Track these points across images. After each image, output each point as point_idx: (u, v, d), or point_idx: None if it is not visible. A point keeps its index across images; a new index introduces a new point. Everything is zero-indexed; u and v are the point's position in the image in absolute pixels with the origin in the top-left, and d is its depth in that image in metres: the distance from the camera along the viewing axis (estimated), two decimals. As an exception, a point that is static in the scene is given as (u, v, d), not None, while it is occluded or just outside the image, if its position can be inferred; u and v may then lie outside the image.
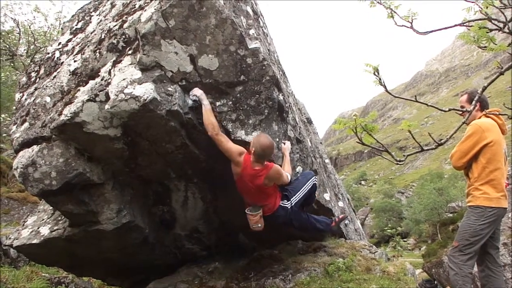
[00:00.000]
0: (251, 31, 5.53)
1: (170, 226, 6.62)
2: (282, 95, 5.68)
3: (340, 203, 8.32)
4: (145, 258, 7.02)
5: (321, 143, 9.51)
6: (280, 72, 6.38)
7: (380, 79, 2.54)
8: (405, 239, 50.50)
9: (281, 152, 5.72)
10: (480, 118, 5.28)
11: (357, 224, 9.66)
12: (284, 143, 5.77)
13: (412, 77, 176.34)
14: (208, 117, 5.06)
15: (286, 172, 5.56)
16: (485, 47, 2.75)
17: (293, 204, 5.67)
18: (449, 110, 3.50)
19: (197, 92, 5.11)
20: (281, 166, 5.63)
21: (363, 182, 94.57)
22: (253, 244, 7.17)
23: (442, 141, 2.65)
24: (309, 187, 5.87)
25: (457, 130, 2.82)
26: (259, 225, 5.57)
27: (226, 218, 6.70)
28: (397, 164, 2.58)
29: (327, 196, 7.02)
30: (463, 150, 5.21)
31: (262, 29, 6.18)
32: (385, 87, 2.65)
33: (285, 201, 5.67)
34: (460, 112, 5.26)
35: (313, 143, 7.78)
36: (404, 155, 2.55)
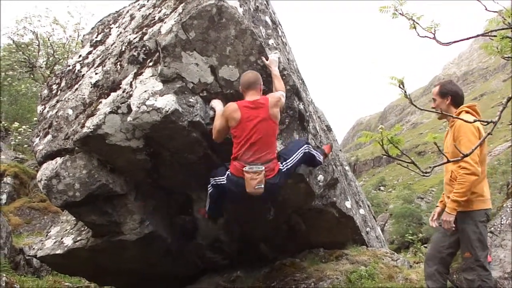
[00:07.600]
0: (271, 41, 5.54)
1: (192, 236, 6.64)
2: (302, 104, 5.68)
3: (361, 211, 8.29)
4: (167, 268, 7.04)
5: (340, 150, 9.48)
6: (300, 81, 6.38)
7: (405, 91, 2.54)
8: (426, 245, 50.03)
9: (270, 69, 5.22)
10: (460, 114, 4.85)
11: (378, 231, 9.59)
12: (268, 57, 5.20)
13: (429, 81, 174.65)
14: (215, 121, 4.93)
15: (280, 91, 5.06)
16: (509, 57, 2.73)
17: (284, 170, 5.05)
18: (474, 121, 3.47)
19: (215, 102, 5.10)
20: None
21: (382, 188, 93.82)
22: (274, 254, 7.16)
23: (468, 152, 2.64)
24: (300, 156, 5.25)
25: (484, 140, 2.80)
26: (262, 185, 4.79)
27: (247, 229, 6.71)
28: (423, 176, 2.57)
29: (348, 204, 6.99)
30: (476, 155, 4.56)
31: (281, 39, 6.19)
32: (410, 100, 2.64)
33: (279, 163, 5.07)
34: (436, 111, 5.03)
35: (333, 151, 7.76)
36: (430, 167, 2.54)
